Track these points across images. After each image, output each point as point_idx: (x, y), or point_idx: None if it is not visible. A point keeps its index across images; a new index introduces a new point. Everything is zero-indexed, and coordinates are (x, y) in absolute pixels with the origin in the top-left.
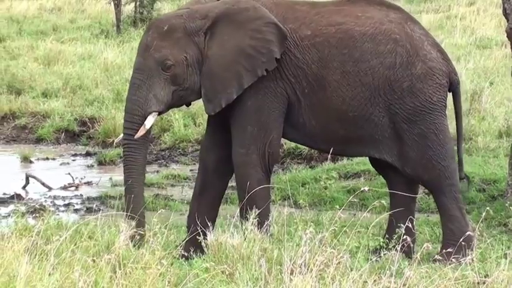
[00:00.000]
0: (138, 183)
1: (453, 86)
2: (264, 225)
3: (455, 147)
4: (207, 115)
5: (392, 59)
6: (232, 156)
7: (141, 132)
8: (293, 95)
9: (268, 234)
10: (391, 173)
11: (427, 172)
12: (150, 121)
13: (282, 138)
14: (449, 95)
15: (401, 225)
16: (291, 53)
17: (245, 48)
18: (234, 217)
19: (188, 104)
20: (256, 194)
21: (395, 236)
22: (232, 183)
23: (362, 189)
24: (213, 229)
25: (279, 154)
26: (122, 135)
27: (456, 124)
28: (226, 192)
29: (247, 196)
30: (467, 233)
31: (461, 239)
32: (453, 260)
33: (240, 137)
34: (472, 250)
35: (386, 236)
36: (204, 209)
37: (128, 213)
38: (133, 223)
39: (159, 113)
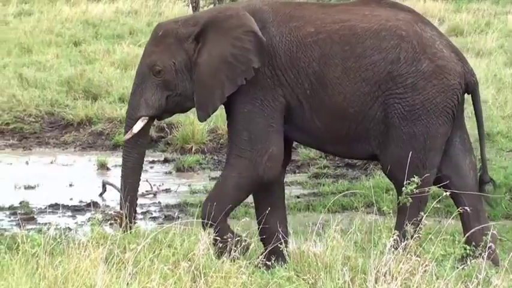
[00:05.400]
0: (127, 188)
1: (470, 88)
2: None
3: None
4: None
5: (396, 55)
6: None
7: (127, 135)
8: (294, 100)
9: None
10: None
11: (403, 173)
12: (138, 126)
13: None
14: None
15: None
16: (292, 53)
17: (227, 57)
18: (316, 225)
19: (185, 110)
20: (228, 196)
21: (481, 243)
22: (312, 189)
23: (445, 193)
24: (287, 232)
25: (278, 170)
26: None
27: (477, 126)
28: (307, 199)
29: (217, 195)
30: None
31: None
32: None
33: (236, 140)
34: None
35: (473, 244)
36: (272, 217)
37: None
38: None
39: (158, 118)
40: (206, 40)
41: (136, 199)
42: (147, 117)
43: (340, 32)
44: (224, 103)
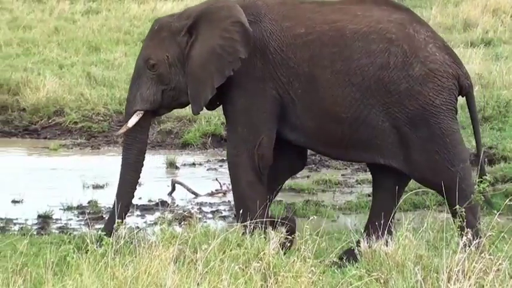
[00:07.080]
0: (123, 183)
1: (464, 90)
2: (251, 227)
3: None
4: None
5: (385, 59)
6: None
7: (121, 130)
8: (286, 96)
9: (249, 235)
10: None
11: (435, 175)
12: (132, 120)
13: None
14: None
15: None
16: (283, 52)
17: (216, 48)
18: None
19: (183, 105)
20: (246, 196)
21: None
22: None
23: None
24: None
25: (271, 157)
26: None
27: (473, 129)
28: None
29: (238, 198)
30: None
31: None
32: None
33: (231, 137)
34: None
35: None
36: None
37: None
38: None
39: (155, 114)
40: (198, 33)
41: (133, 196)
42: (142, 112)
43: (329, 34)
44: (220, 100)
